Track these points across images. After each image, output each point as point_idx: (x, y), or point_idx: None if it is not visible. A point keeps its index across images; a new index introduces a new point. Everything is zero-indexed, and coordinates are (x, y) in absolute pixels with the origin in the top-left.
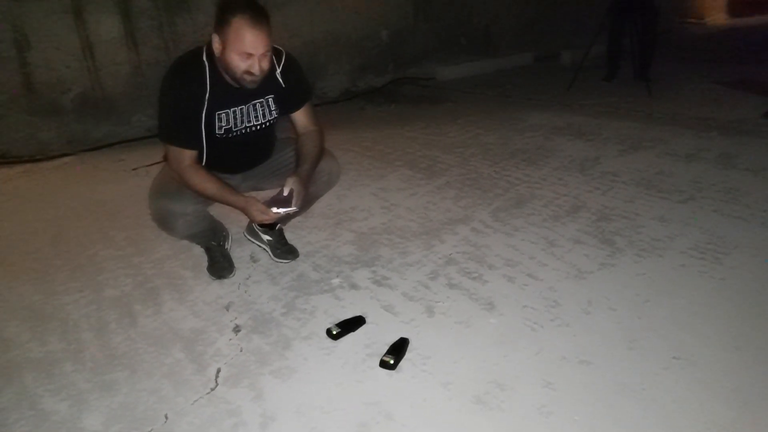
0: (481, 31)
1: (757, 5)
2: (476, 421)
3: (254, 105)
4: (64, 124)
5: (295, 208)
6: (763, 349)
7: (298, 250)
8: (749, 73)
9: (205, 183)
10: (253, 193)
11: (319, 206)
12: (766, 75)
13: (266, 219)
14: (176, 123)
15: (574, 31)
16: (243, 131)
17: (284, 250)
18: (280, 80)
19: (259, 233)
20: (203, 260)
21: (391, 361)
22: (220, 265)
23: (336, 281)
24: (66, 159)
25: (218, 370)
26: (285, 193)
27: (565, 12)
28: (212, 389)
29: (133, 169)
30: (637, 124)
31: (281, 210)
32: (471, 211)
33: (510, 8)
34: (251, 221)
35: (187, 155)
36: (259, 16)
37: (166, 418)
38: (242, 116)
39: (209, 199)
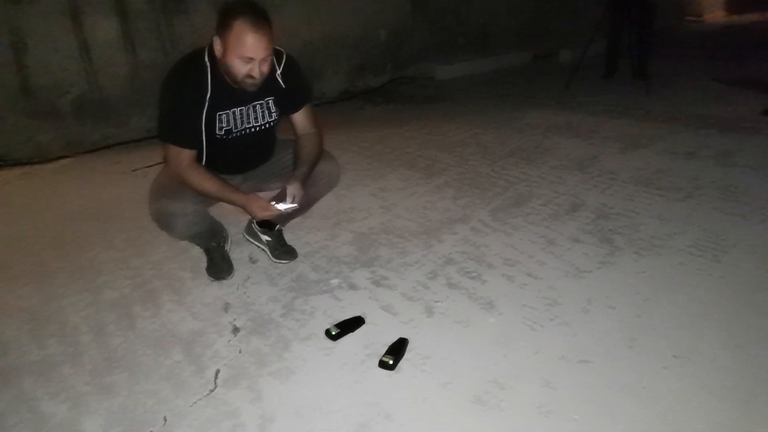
0: (479, 31)
1: (756, 3)
2: (475, 420)
3: (254, 106)
4: (62, 127)
5: (295, 204)
6: (762, 347)
7: (297, 251)
8: (748, 70)
9: (205, 181)
10: None
11: (317, 207)
12: (765, 72)
13: (267, 215)
14: (176, 122)
15: (572, 29)
16: (243, 132)
17: (283, 250)
18: (281, 81)
19: (259, 234)
20: (202, 261)
21: (391, 362)
22: (219, 267)
23: (335, 282)
24: (64, 161)
25: (217, 372)
26: (281, 197)
27: (563, 11)
28: (211, 391)
29: (132, 171)
30: (636, 122)
31: (281, 205)
32: (470, 210)
33: (508, 7)
34: (251, 220)
35: (186, 155)
36: (261, 21)
37: (165, 420)
38: (242, 117)
39: (209, 198)
